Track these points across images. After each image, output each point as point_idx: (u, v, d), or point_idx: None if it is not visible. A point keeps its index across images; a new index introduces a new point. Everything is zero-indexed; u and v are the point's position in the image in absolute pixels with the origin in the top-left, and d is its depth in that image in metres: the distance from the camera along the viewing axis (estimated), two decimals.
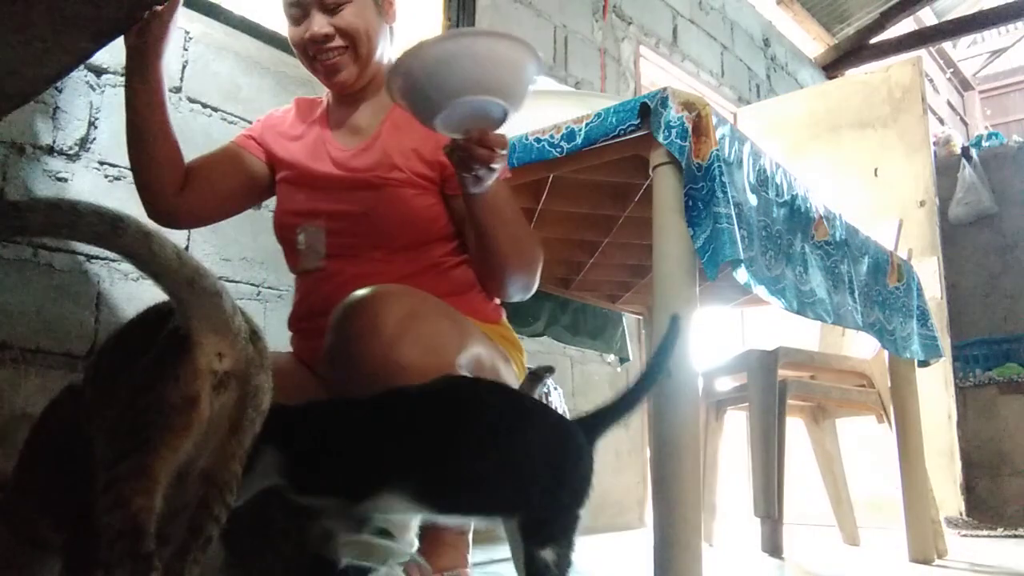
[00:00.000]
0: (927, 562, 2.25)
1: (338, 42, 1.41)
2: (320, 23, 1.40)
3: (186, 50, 2.10)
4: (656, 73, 4.24)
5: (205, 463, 0.77)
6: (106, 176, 1.90)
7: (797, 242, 1.64)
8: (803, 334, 2.88)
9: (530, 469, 0.93)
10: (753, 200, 1.47)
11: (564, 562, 0.90)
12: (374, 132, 1.47)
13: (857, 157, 4.13)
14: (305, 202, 1.46)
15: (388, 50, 1.51)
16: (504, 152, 1.17)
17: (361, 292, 1.19)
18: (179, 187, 1.46)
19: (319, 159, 1.48)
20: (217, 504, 0.77)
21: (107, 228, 0.69)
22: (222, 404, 0.76)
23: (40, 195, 1.77)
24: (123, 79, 1.96)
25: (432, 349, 1.15)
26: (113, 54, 1.90)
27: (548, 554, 0.88)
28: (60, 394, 0.98)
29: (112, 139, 1.91)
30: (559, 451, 0.95)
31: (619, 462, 3.53)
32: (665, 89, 1.40)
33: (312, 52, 1.43)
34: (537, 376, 1.63)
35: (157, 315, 0.82)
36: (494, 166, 1.17)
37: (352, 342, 1.14)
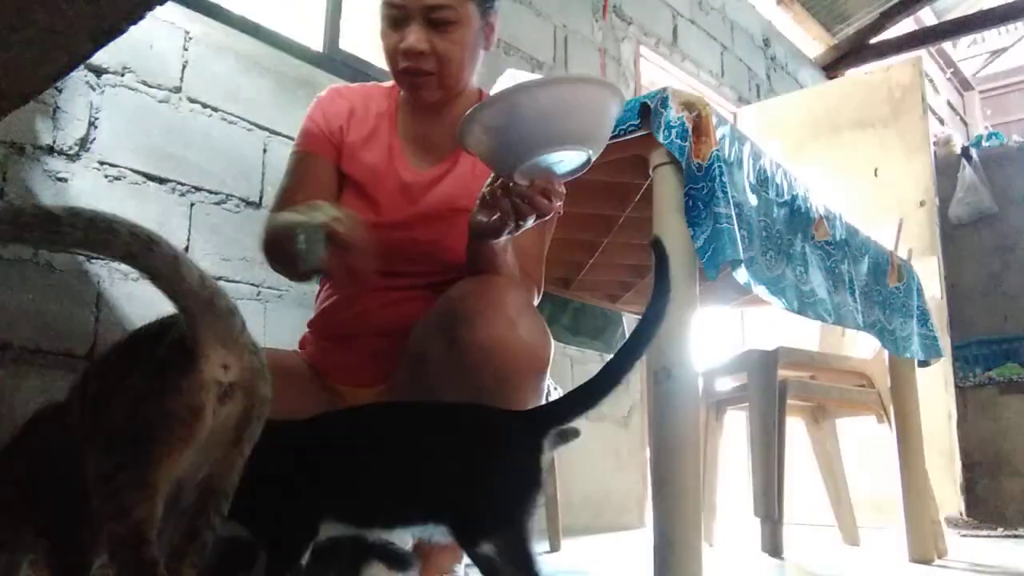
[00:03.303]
0: (927, 562, 2.25)
1: (430, 64, 1.31)
2: (418, 37, 1.29)
3: (186, 50, 2.10)
4: (656, 73, 4.24)
5: (207, 472, 0.78)
6: (106, 176, 1.90)
7: (797, 242, 1.64)
8: (803, 334, 2.88)
9: (434, 473, 0.92)
10: (753, 200, 1.47)
11: (513, 551, 0.87)
12: (452, 154, 1.39)
13: (857, 157, 4.12)
14: (370, 229, 1.37)
15: (476, 73, 1.42)
16: (560, 204, 1.11)
17: (479, 277, 1.22)
18: None
19: (389, 180, 1.39)
20: (215, 512, 0.78)
21: (141, 248, 0.70)
22: (227, 414, 0.77)
23: (40, 196, 1.77)
24: (123, 79, 1.97)
25: (540, 343, 1.18)
26: (113, 54, 1.90)
27: (487, 548, 0.87)
28: (43, 409, 0.97)
29: (112, 139, 1.92)
30: (470, 451, 0.93)
31: (619, 462, 3.53)
32: (665, 89, 1.40)
33: (401, 64, 1.32)
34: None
35: (148, 333, 0.82)
36: (547, 218, 1.12)
37: (475, 320, 1.14)
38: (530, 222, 1.12)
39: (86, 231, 0.68)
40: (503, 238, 1.18)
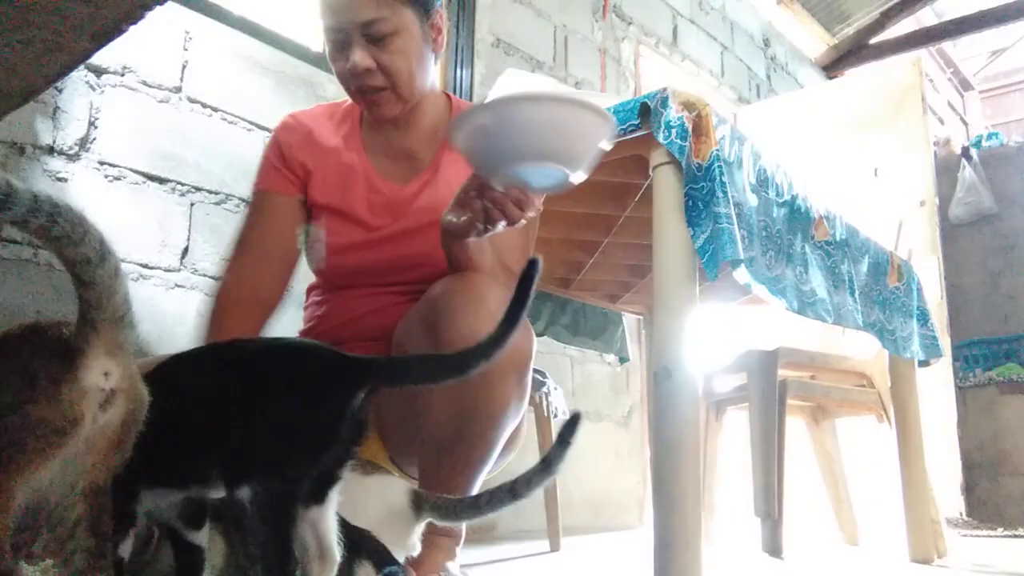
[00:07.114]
0: (927, 562, 2.25)
1: (379, 80, 1.33)
2: (361, 55, 1.30)
3: (186, 50, 2.10)
4: (656, 73, 4.24)
5: (92, 477, 0.76)
6: (106, 176, 1.90)
7: (797, 242, 1.64)
8: (803, 334, 2.88)
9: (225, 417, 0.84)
10: (753, 200, 1.47)
11: (268, 503, 0.80)
12: (431, 163, 1.40)
13: (857, 157, 4.13)
14: (359, 250, 1.38)
15: (434, 76, 1.43)
16: (533, 216, 1.14)
17: (459, 274, 1.24)
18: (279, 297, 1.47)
19: (369, 198, 1.39)
20: (108, 514, 0.76)
21: (97, 254, 0.72)
22: (108, 421, 0.75)
23: None
24: (123, 79, 1.97)
25: (521, 339, 1.17)
26: (113, 54, 1.90)
27: (244, 492, 0.80)
28: None
29: (112, 139, 1.91)
30: (262, 393, 0.85)
31: (619, 462, 3.53)
32: (665, 89, 1.39)
33: (353, 85, 1.35)
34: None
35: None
36: (517, 226, 1.14)
37: (456, 313, 1.16)
38: (499, 227, 1.13)
39: (67, 225, 0.71)
40: (472, 239, 1.19)
